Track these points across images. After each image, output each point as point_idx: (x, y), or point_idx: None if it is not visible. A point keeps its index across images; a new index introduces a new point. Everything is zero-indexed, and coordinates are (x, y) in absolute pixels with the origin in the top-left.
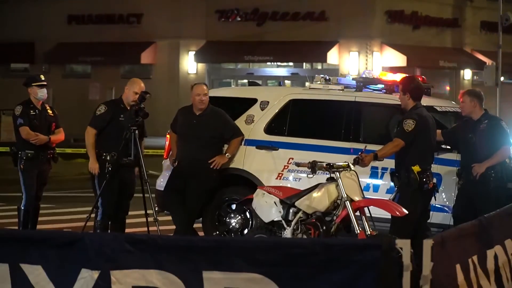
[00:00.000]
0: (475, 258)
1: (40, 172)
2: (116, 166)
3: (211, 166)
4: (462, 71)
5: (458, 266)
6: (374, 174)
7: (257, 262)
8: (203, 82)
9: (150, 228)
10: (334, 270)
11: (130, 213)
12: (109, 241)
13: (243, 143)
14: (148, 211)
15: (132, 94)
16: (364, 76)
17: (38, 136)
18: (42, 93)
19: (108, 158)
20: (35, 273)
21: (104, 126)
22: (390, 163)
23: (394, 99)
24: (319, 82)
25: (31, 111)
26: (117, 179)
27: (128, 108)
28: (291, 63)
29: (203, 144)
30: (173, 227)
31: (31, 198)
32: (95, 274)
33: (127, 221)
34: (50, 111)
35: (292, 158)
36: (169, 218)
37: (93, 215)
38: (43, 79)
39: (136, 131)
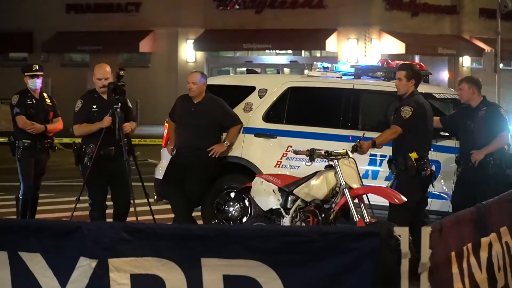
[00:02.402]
0: (469, 246)
1: (37, 161)
2: (96, 158)
3: (210, 154)
4: (461, 58)
5: (453, 254)
6: (373, 161)
7: (255, 249)
8: (199, 71)
9: (148, 217)
10: (332, 258)
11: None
12: (107, 230)
13: (241, 131)
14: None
15: (96, 81)
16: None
17: (34, 125)
18: (33, 83)
19: (87, 150)
20: (35, 260)
21: (86, 118)
22: (388, 150)
23: (392, 86)
24: (317, 70)
25: (28, 100)
26: (102, 170)
27: (104, 97)
28: (289, 51)
29: (201, 132)
30: (172, 215)
31: (29, 188)
32: (93, 262)
33: (131, 209)
34: (48, 100)
35: (291, 146)
36: (168, 206)
37: (86, 205)
38: (34, 69)
39: (118, 110)
